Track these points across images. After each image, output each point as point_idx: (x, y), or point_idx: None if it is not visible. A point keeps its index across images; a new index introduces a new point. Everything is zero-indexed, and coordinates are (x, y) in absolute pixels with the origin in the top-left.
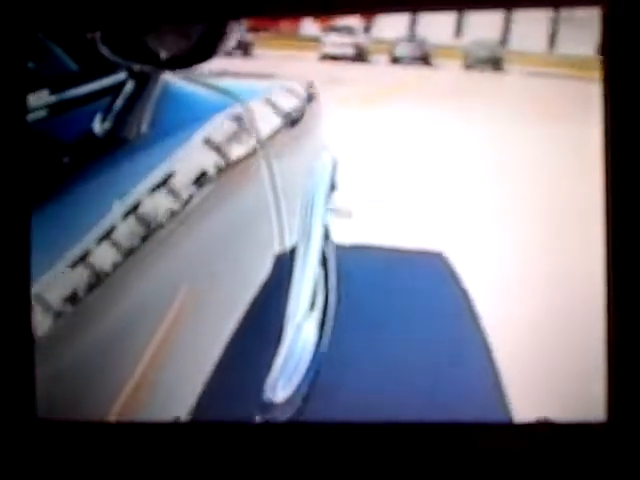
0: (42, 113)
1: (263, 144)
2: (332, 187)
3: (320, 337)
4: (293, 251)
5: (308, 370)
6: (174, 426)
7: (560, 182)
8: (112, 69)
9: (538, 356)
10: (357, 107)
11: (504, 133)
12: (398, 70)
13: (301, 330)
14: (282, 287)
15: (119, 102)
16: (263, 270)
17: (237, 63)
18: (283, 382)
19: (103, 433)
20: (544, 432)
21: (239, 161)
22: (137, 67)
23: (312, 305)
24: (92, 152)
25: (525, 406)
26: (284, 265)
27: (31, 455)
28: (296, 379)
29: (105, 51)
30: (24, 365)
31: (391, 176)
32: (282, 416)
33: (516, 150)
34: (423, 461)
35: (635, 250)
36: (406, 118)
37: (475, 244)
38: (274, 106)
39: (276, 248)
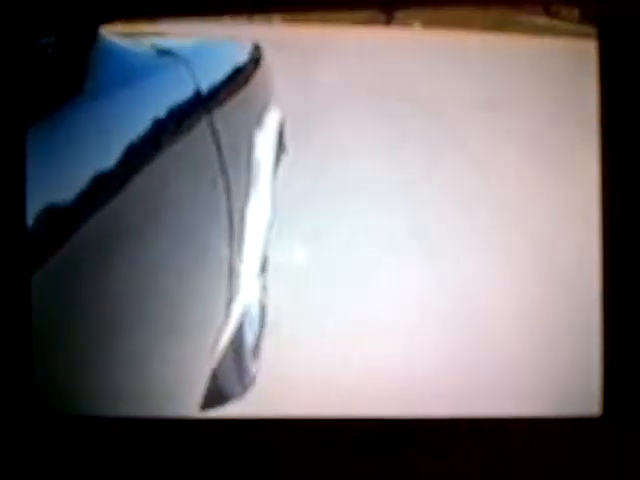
0: None
1: (205, 103)
2: (282, 148)
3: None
4: (241, 212)
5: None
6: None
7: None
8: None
9: (534, 350)
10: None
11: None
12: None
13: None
14: (231, 246)
15: (60, 60)
16: (211, 231)
17: (184, 25)
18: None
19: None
20: (538, 426)
21: (182, 120)
22: (74, 24)
23: (263, 267)
24: (40, 109)
25: (520, 400)
26: (233, 226)
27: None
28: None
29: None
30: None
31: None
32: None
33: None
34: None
35: (633, 243)
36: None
37: (473, 239)
38: (218, 66)
39: (223, 209)
